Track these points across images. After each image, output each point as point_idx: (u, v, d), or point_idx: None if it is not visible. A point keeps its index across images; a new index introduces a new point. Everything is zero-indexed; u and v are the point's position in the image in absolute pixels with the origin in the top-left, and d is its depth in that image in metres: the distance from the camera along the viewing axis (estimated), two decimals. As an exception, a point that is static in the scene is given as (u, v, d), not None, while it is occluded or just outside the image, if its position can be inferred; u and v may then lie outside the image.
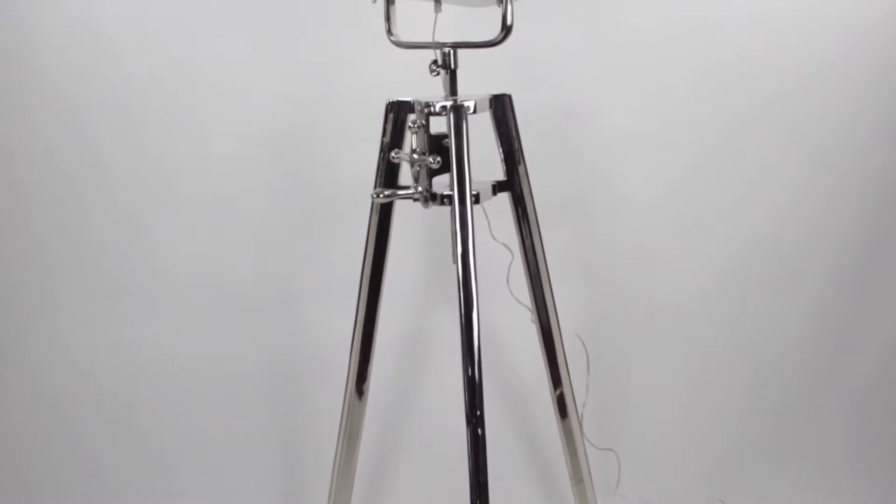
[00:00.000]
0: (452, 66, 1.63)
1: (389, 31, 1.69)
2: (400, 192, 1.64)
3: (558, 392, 1.89)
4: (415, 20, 1.66)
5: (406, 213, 1.82)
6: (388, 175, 1.71)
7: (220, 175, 2.34)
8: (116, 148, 2.34)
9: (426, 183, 1.62)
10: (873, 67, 2.27)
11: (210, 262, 2.37)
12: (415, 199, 1.63)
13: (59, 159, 2.35)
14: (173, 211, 2.36)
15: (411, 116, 1.63)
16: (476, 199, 1.59)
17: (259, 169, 2.33)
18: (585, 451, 1.95)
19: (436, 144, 1.61)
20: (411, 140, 1.62)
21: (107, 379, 2.40)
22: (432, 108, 1.59)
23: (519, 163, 1.73)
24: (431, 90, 1.68)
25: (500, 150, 1.72)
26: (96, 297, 2.39)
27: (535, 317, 1.84)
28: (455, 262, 1.54)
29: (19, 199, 2.39)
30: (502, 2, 1.54)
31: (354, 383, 1.85)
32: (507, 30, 1.54)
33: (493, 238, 1.77)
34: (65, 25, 2.31)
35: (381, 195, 1.64)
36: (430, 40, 1.61)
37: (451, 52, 1.62)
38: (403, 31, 1.69)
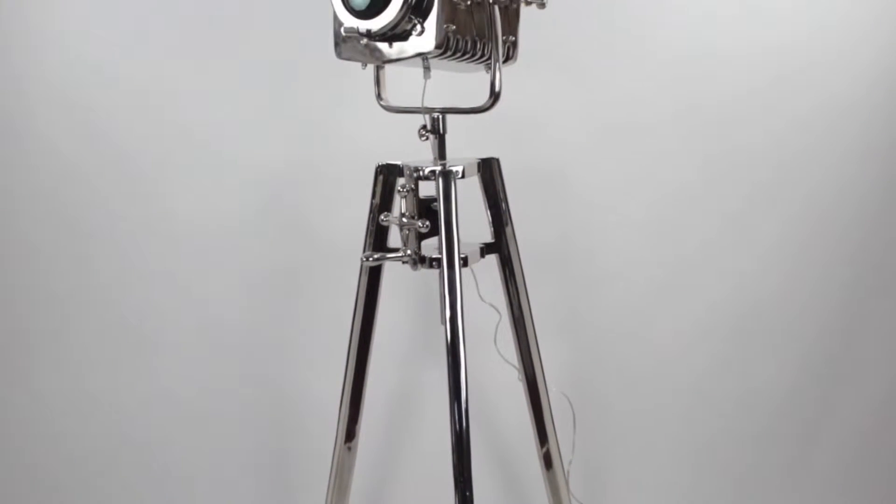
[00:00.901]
0: (441, 131, 1.66)
1: (379, 96, 1.72)
2: (389, 255, 1.66)
3: (545, 449, 1.90)
4: (404, 84, 1.68)
5: (395, 274, 1.84)
6: (377, 236, 1.74)
7: (212, 233, 2.36)
8: (118, 206, 2.37)
9: (415, 246, 1.64)
10: (854, 124, 2.31)
11: (201, 318, 2.38)
12: (404, 262, 1.66)
13: (60, 206, 2.38)
14: (166, 266, 2.38)
15: (401, 180, 1.65)
16: (464, 262, 1.62)
17: (250, 227, 2.35)
18: (572, 507, 1.96)
19: (425, 208, 1.63)
20: (401, 204, 1.64)
21: (88, 440, 2.42)
22: (421, 173, 1.61)
23: (506, 224, 1.76)
24: (421, 152, 1.70)
25: (488, 212, 1.75)
26: (88, 345, 2.41)
27: (521, 375, 1.86)
28: (443, 324, 1.57)
29: (22, 245, 2.41)
30: (490, 68, 1.57)
31: (343, 440, 1.86)
32: (495, 96, 1.56)
33: (481, 299, 1.79)
34: (62, 84, 2.34)
35: (371, 258, 1.66)
36: (420, 105, 1.64)
37: (441, 117, 1.65)
38: (393, 96, 1.72)
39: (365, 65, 1.58)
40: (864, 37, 2.27)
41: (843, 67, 2.28)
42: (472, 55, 1.55)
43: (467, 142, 1.77)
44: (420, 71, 1.60)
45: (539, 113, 2.28)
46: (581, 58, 2.27)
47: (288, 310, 2.37)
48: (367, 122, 2.02)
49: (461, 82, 1.68)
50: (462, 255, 1.59)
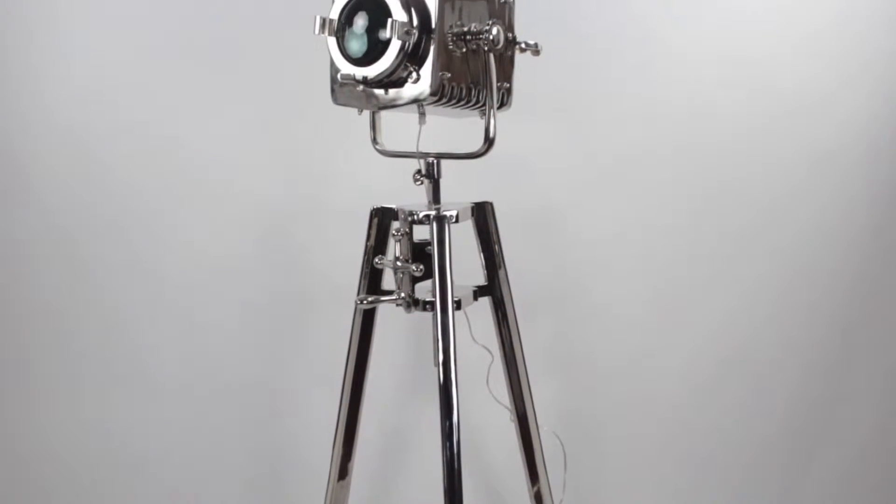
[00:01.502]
0: (436, 176, 1.68)
1: (375, 140, 1.74)
2: (383, 297, 1.68)
3: (536, 489, 1.91)
4: (400, 128, 1.70)
5: (389, 315, 1.85)
6: (371, 278, 1.75)
7: (207, 269, 2.37)
8: (103, 250, 2.38)
9: (409, 289, 1.66)
10: (850, 181, 2.34)
11: (195, 353, 2.39)
12: (397, 304, 1.67)
13: (59, 236, 2.39)
14: (159, 309, 2.39)
15: (395, 224, 1.67)
16: (458, 305, 1.63)
17: (245, 264, 2.36)
18: (562, 547, 1.97)
19: (419, 251, 1.65)
20: (395, 247, 1.66)
21: (86, 470, 2.42)
22: (416, 217, 1.63)
23: (499, 267, 1.78)
24: (415, 194, 1.72)
25: (482, 255, 1.77)
26: (81, 393, 2.41)
27: (513, 416, 1.87)
28: (436, 366, 1.58)
29: (20, 272, 2.41)
30: (485, 114, 1.59)
31: (337, 478, 1.87)
32: (489, 142, 1.58)
33: (474, 340, 1.80)
34: (52, 128, 2.35)
35: (365, 301, 1.68)
36: (415, 150, 1.66)
37: (435, 162, 1.67)
38: (388, 139, 1.74)
39: (361, 110, 1.60)
40: (850, 82, 2.30)
41: (831, 112, 2.31)
42: (467, 102, 1.57)
43: (461, 185, 1.79)
44: (415, 115, 1.63)
45: (533, 156, 2.30)
46: (574, 101, 2.30)
47: (282, 347, 2.39)
48: (362, 164, 2.04)
49: (456, 127, 1.70)
50: (455, 299, 1.61)
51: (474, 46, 1.54)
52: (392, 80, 1.50)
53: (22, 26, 2.33)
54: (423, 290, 1.67)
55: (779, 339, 2.38)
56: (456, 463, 1.56)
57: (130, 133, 2.33)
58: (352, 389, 1.82)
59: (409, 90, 1.50)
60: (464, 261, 1.71)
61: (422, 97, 1.49)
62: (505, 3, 1.63)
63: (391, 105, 1.53)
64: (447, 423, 1.57)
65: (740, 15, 2.30)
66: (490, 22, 1.54)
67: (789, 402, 2.39)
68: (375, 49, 1.48)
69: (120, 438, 2.41)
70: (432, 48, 1.48)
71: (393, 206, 1.71)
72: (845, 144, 2.32)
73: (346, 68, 1.51)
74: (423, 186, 1.70)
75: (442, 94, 1.51)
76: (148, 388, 2.40)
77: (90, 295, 2.39)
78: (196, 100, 2.32)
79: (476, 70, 1.56)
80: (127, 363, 2.40)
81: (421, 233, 1.65)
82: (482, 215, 1.75)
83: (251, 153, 2.33)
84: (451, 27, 1.51)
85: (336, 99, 1.59)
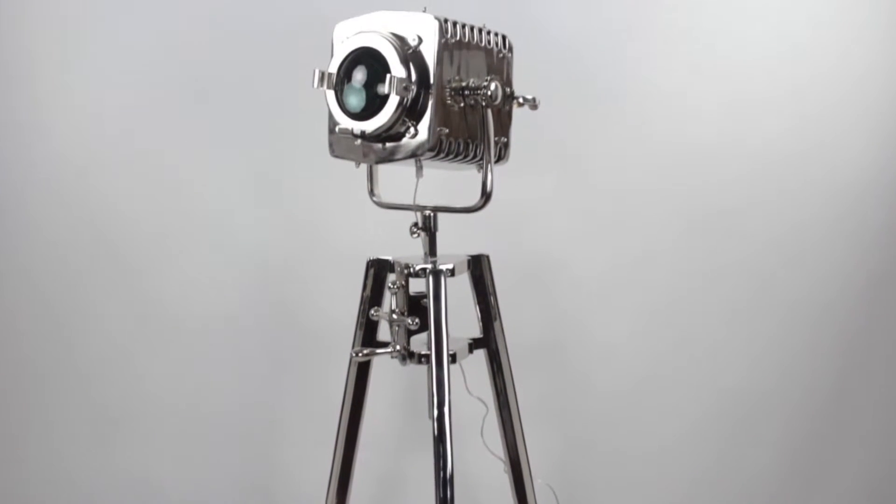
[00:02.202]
0: (433, 229, 1.68)
1: (372, 192, 1.74)
2: (378, 350, 1.67)
3: (529, 540, 1.90)
4: (397, 180, 1.70)
5: (384, 365, 1.85)
6: (367, 329, 1.75)
7: (203, 320, 2.38)
8: (110, 291, 2.39)
9: (404, 341, 1.65)
10: (845, 223, 2.35)
11: (191, 405, 2.40)
12: (392, 357, 1.67)
13: (48, 294, 2.40)
14: (160, 350, 2.39)
15: (391, 276, 1.67)
16: (453, 359, 1.63)
17: (242, 315, 2.38)
18: None
19: (415, 303, 1.65)
20: (391, 300, 1.66)
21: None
22: (412, 270, 1.63)
23: (495, 319, 1.77)
24: (411, 247, 1.71)
25: (477, 307, 1.76)
26: (83, 427, 2.42)
27: (507, 467, 1.86)
28: (431, 419, 1.58)
29: (11, 330, 2.41)
30: (482, 168, 1.59)
31: (330, 528, 1.86)
32: (486, 197, 1.58)
33: (469, 392, 1.80)
34: (54, 164, 2.37)
35: (361, 354, 1.67)
36: (412, 203, 1.66)
37: (432, 215, 1.67)
38: (385, 191, 1.74)
39: (358, 164, 1.60)
40: (849, 128, 2.32)
41: (829, 156, 2.33)
42: (465, 156, 1.57)
43: (458, 235, 1.79)
44: (413, 169, 1.63)
45: (529, 207, 2.31)
46: (571, 154, 2.31)
47: (277, 397, 2.39)
48: (359, 215, 2.04)
49: (453, 179, 1.70)
50: (451, 352, 1.61)
51: (472, 101, 1.54)
52: (390, 134, 1.50)
53: (27, 62, 2.36)
54: (419, 342, 1.66)
55: (782, 394, 2.38)
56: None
57: (128, 181, 2.35)
58: (346, 440, 1.81)
59: (406, 145, 1.50)
60: (460, 311, 1.71)
61: (420, 152, 1.49)
62: (503, 56, 1.64)
63: (389, 159, 1.53)
64: (441, 475, 1.57)
65: (738, 61, 2.31)
66: (488, 78, 1.55)
67: (795, 455, 2.39)
68: (374, 104, 1.48)
69: (105, 491, 2.40)
70: (430, 103, 1.48)
71: (389, 257, 1.71)
72: (843, 187, 2.34)
73: (344, 122, 1.51)
74: (419, 239, 1.70)
75: (440, 149, 1.50)
76: (145, 434, 2.40)
77: (78, 350, 2.41)
78: (194, 148, 2.34)
79: (474, 124, 1.57)
80: (121, 410, 2.40)
81: (417, 285, 1.65)
82: (478, 268, 1.75)
83: (249, 202, 2.35)
84: (449, 82, 1.51)
85: (333, 151, 1.59)
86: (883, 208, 2.33)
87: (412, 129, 1.49)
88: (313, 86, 1.51)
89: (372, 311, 1.70)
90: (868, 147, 2.32)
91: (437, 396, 1.57)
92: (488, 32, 1.60)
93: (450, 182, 1.71)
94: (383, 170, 1.72)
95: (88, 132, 2.36)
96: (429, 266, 1.61)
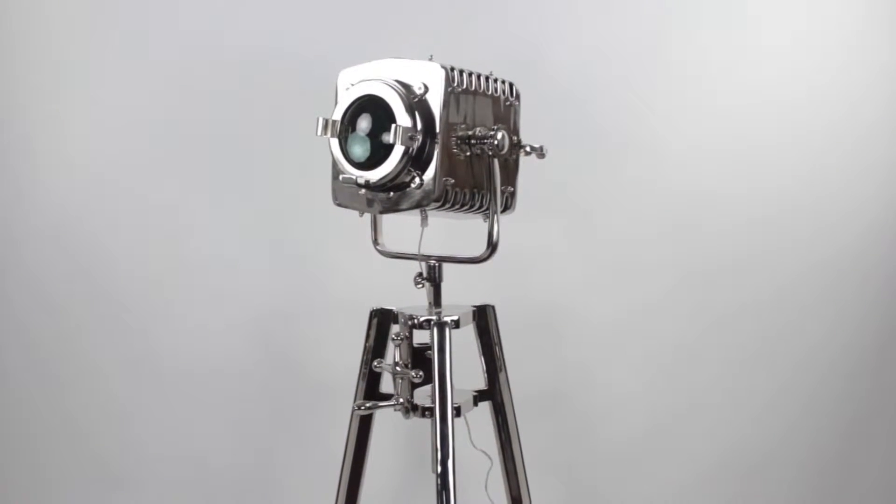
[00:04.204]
0: (437, 280, 1.65)
1: (376, 241, 1.72)
2: (381, 403, 1.64)
3: None
4: (402, 228, 1.68)
5: (387, 416, 1.82)
6: (370, 380, 1.72)
7: (204, 372, 2.36)
8: (105, 338, 2.37)
9: (408, 394, 1.62)
10: (849, 276, 2.33)
11: (189, 458, 2.37)
12: (395, 409, 1.64)
13: (42, 342, 2.38)
14: (158, 403, 2.37)
15: (395, 328, 1.64)
16: (457, 412, 1.60)
17: (243, 364, 2.35)
18: None
19: (418, 355, 1.62)
20: (394, 352, 1.63)
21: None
22: (416, 321, 1.60)
23: (500, 370, 1.75)
24: (415, 297, 1.68)
25: (482, 358, 1.74)
26: (80, 483, 2.39)
27: (512, 522, 1.83)
28: (434, 473, 1.54)
29: (6, 384, 2.39)
30: (488, 218, 1.56)
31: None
32: (493, 247, 1.55)
33: (473, 446, 1.77)
34: (50, 213, 2.35)
35: (363, 407, 1.64)
36: (417, 252, 1.63)
37: (437, 265, 1.65)
38: (390, 240, 1.72)
39: (362, 213, 1.57)
40: (861, 179, 2.30)
41: (840, 204, 2.31)
42: (471, 206, 1.54)
43: (463, 284, 1.76)
44: (417, 217, 1.61)
45: (536, 256, 2.29)
46: (579, 203, 2.30)
47: (278, 450, 2.36)
48: (363, 264, 2.02)
49: (458, 228, 1.68)
50: (455, 406, 1.58)
51: (479, 150, 1.52)
52: (395, 184, 1.47)
53: (21, 111, 2.35)
54: (423, 394, 1.63)
55: (787, 451, 2.35)
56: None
57: (127, 231, 2.34)
58: (347, 494, 1.78)
59: (412, 195, 1.48)
60: (464, 362, 1.68)
61: (425, 203, 1.47)
62: (510, 104, 1.62)
63: (393, 209, 1.50)
64: (445, 531, 1.53)
65: (748, 110, 2.30)
66: (495, 127, 1.52)
67: (791, 498, 2.36)
68: (378, 153, 1.45)
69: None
70: (436, 153, 1.45)
71: (393, 307, 1.68)
72: (861, 253, 2.32)
73: (348, 171, 1.48)
74: (424, 289, 1.67)
75: (445, 199, 1.48)
76: (143, 488, 2.38)
77: (75, 400, 2.39)
78: (196, 196, 2.33)
79: (480, 174, 1.54)
80: (120, 465, 2.38)
81: (421, 336, 1.62)
82: (483, 319, 1.72)
83: (251, 251, 2.33)
84: (455, 130, 1.49)
85: (337, 199, 1.57)
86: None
87: (417, 180, 1.46)
88: (317, 133, 1.49)
89: (375, 363, 1.67)
90: (877, 197, 2.30)
91: (440, 451, 1.54)
92: (495, 80, 1.58)
93: (455, 230, 1.69)
94: (387, 218, 1.70)
95: (85, 181, 2.34)
96: (433, 318, 1.58)
